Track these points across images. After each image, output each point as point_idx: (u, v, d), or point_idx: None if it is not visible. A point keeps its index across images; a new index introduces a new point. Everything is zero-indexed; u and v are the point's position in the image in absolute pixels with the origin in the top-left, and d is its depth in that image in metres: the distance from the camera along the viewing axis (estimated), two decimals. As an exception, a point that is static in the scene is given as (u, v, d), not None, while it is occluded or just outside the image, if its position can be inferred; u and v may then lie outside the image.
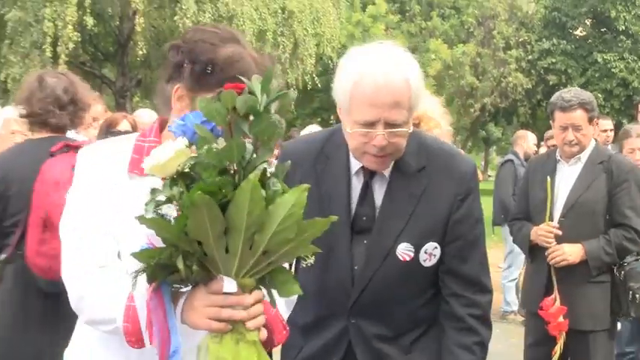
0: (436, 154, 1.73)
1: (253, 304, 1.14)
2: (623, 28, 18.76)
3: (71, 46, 12.90)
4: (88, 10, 12.91)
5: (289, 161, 1.23)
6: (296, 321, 1.62)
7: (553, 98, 3.11)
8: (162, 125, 1.48)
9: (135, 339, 1.31)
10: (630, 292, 2.96)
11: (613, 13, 18.83)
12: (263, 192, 1.04)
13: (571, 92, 3.08)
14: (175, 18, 13.41)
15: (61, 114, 2.54)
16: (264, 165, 1.09)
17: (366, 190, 1.70)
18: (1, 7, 13.19)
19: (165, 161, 1.07)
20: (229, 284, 1.12)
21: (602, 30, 19.77)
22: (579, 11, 19.82)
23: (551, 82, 19.57)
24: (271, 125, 1.09)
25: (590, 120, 2.95)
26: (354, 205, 1.71)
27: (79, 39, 13.25)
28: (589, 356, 2.99)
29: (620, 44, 19.01)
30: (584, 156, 3.00)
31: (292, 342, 1.62)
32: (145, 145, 1.47)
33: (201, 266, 1.09)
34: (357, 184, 1.72)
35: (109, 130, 3.49)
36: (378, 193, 1.71)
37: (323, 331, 1.75)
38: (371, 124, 1.56)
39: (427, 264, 1.70)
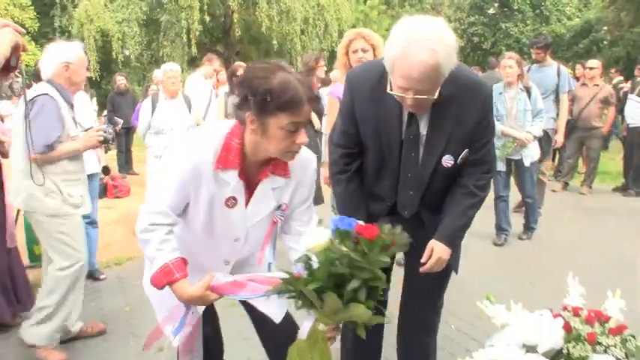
0: (462, 83, 2.00)
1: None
2: (517, 7, 28.41)
3: (197, 34, 19.38)
4: (206, 12, 19.50)
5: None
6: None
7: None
8: (242, 131, 1.78)
9: (155, 282, 1.83)
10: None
11: (511, -1, 28.83)
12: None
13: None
14: (256, 13, 19.84)
15: None
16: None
17: (412, 116, 2.02)
18: (158, 14, 20.03)
19: (319, 244, 1.64)
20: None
21: (505, 9, 29.28)
22: (491, -2, 29.99)
23: (474, 41, 29.28)
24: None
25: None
26: (404, 127, 2.05)
27: (202, 29, 19.74)
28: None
29: (515, 17, 28.68)
30: None
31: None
32: (232, 144, 1.79)
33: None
34: (405, 111, 2.02)
35: (233, 74, 5.55)
36: (420, 118, 2.04)
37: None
38: (405, 90, 1.88)
39: (460, 163, 2.11)
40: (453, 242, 2.28)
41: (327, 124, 4.23)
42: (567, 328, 2.41)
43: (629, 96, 7.93)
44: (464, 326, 2.31)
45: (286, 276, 1.76)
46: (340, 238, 1.69)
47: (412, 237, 1.78)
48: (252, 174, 1.90)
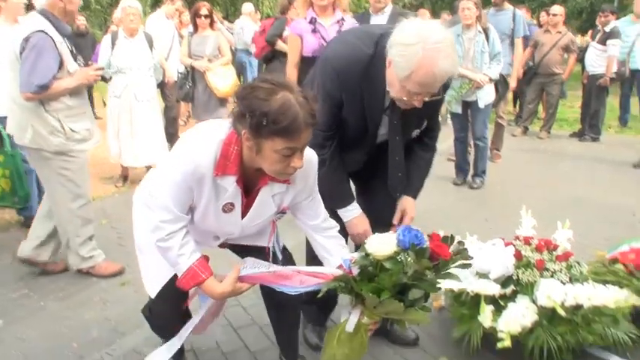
0: None
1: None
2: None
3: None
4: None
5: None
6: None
7: None
8: (238, 139, 1.73)
9: (182, 286, 1.87)
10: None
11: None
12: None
13: None
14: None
15: None
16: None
17: (395, 107, 2.13)
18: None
19: (385, 252, 1.85)
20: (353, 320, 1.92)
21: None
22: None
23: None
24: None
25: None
26: (387, 112, 2.18)
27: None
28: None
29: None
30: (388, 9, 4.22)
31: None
32: (230, 150, 1.74)
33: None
34: (387, 101, 2.14)
35: (196, 14, 5.77)
36: (399, 108, 2.14)
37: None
38: (417, 94, 1.96)
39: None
40: (419, 193, 2.47)
41: (289, 63, 4.22)
42: (518, 255, 2.55)
43: (590, 43, 8.04)
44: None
45: (340, 272, 1.92)
46: (416, 255, 1.84)
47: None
48: (250, 179, 1.88)
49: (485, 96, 5.31)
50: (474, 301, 2.49)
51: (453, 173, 5.83)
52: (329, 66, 2.15)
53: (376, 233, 1.98)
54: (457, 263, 1.91)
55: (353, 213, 2.35)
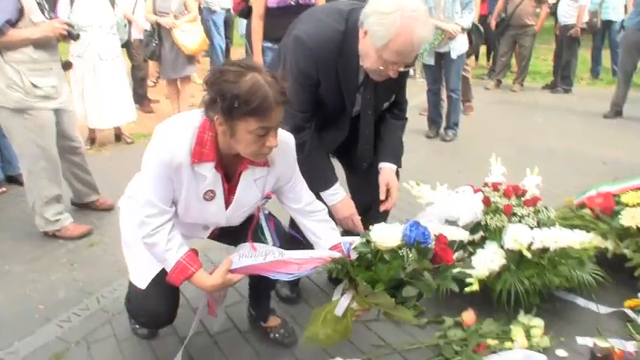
0: None
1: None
2: None
3: None
4: None
5: None
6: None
7: None
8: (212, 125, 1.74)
9: (172, 281, 1.85)
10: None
11: None
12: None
13: None
14: None
15: None
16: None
17: (368, 79, 2.15)
18: None
19: (388, 243, 1.86)
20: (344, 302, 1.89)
21: None
22: None
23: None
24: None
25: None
26: (361, 89, 2.21)
27: None
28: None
29: None
30: None
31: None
32: (205, 137, 1.75)
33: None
34: (361, 76, 2.16)
35: None
36: (372, 82, 2.16)
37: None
38: (394, 64, 1.98)
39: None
40: (399, 160, 2.46)
41: (254, 15, 4.15)
42: (486, 201, 2.54)
43: (562, -6, 7.98)
44: (395, 212, 2.46)
45: (337, 255, 1.91)
46: (417, 254, 1.86)
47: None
48: (229, 165, 1.87)
49: (459, 47, 5.25)
50: (443, 249, 2.48)
51: (426, 126, 5.81)
52: (301, 45, 2.10)
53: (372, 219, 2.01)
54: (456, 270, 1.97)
55: (336, 197, 2.29)
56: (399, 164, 2.45)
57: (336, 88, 2.17)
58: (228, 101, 1.61)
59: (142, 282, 1.96)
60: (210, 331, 2.20)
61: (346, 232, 2.31)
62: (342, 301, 1.93)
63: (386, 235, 1.88)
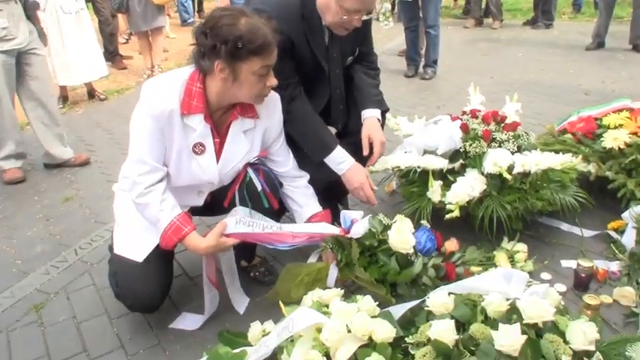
0: None
1: None
2: None
3: None
4: None
5: None
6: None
7: None
8: (202, 77, 1.76)
9: (165, 243, 1.82)
10: None
11: None
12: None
13: None
14: None
15: None
16: None
17: (332, 37, 2.17)
18: None
19: (402, 248, 1.92)
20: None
21: None
22: None
23: None
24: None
25: None
26: (329, 48, 2.20)
27: None
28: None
29: None
30: None
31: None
32: (193, 89, 1.76)
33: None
34: (326, 36, 2.17)
35: None
36: (337, 40, 2.19)
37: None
38: (356, 12, 2.00)
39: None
40: (381, 104, 2.38)
41: None
42: (464, 128, 2.48)
43: None
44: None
45: (336, 230, 1.97)
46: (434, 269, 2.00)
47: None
48: (218, 119, 1.88)
49: (437, -21, 5.07)
50: (422, 179, 2.44)
51: (404, 67, 5.69)
52: (265, 14, 2.02)
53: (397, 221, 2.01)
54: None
55: (345, 165, 2.20)
56: (382, 107, 2.38)
57: (308, 51, 2.16)
58: (232, 43, 1.64)
59: (139, 255, 1.90)
60: (239, 311, 2.13)
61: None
62: (332, 272, 1.98)
63: (401, 239, 1.94)
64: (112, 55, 6.73)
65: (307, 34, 2.13)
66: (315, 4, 2.09)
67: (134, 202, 1.84)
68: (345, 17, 2.01)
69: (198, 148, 1.84)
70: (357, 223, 1.98)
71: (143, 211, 1.83)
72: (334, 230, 1.97)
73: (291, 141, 2.19)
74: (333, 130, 2.38)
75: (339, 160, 2.20)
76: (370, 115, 2.31)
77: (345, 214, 2.02)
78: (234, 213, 1.94)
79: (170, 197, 1.84)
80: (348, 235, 1.97)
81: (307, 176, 2.16)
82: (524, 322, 1.50)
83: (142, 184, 1.79)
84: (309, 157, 2.21)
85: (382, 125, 2.38)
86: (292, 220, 2.20)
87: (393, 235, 1.95)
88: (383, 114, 2.39)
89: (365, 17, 2.06)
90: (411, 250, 1.96)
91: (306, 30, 2.12)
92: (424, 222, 2.16)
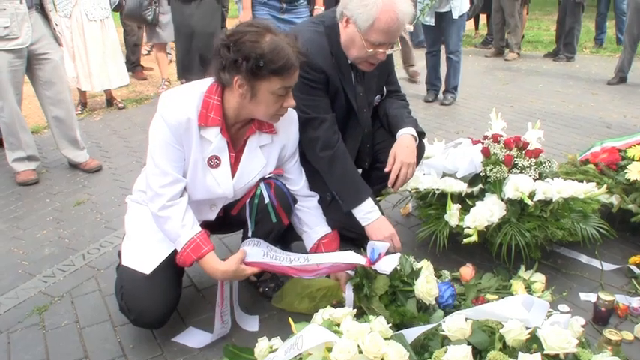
0: None
1: None
2: None
3: None
4: None
5: None
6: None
7: None
8: (220, 90, 1.76)
9: (182, 260, 1.78)
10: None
11: None
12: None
13: None
14: None
15: None
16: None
17: (357, 74, 2.21)
18: None
19: (425, 298, 1.91)
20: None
21: None
22: None
23: None
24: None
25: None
26: (355, 83, 2.22)
27: None
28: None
29: None
30: None
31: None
32: (211, 102, 1.75)
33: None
34: (353, 73, 2.20)
35: None
36: (361, 77, 2.24)
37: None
38: (382, 45, 2.03)
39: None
40: (416, 124, 2.35)
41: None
42: (486, 152, 2.42)
43: (567, -42, 7.75)
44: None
45: (363, 261, 1.90)
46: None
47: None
48: (235, 133, 1.86)
49: (460, 5, 5.03)
50: (440, 202, 2.38)
51: (422, 91, 5.66)
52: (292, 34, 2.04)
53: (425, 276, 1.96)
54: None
55: (373, 215, 2.16)
56: (417, 128, 2.34)
57: (341, 88, 2.18)
58: (253, 61, 1.62)
59: (147, 267, 1.85)
60: (248, 329, 2.05)
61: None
62: (349, 293, 1.94)
63: (427, 289, 1.92)
64: (133, 65, 6.79)
65: (338, 70, 2.15)
66: (339, 41, 2.11)
67: (154, 215, 1.80)
68: (370, 51, 2.03)
69: (214, 162, 1.81)
70: (386, 258, 1.91)
71: (163, 224, 1.79)
72: (360, 260, 1.90)
73: (304, 160, 2.15)
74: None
75: (368, 209, 2.16)
76: (404, 133, 2.27)
77: (374, 245, 1.94)
78: (255, 243, 1.89)
79: (191, 213, 1.80)
80: (373, 267, 1.92)
81: (317, 197, 2.13)
82: (544, 352, 1.44)
83: (164, 197, 1.76)
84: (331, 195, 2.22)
85: (421, 151, 2.34)
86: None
87: (422, 282, 1.91)
88: (420, 138, 2.35)
89: (389, 51, 2.09)
90: (434, 302, 1.94)
91: (334, 65, 2.13)
92: (446, 272, 2.15)
